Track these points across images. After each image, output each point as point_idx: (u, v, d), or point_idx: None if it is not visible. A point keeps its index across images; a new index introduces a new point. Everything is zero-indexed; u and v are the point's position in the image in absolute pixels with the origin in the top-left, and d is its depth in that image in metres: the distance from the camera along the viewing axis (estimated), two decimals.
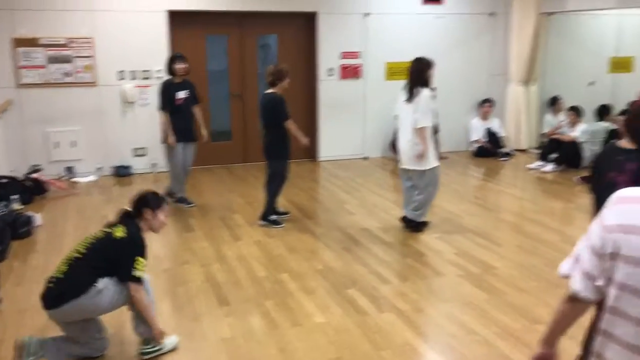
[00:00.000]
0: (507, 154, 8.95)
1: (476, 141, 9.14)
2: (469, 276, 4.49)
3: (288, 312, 3.91)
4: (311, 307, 3.97)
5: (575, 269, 1.46)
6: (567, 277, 1.48)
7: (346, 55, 8.57)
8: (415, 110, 5.13)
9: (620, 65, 9.81)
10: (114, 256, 3.16)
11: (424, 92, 5.12)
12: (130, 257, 3.15)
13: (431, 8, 8.80)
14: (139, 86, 7.75)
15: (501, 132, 9.22)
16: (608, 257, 1.37)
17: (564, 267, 1.51)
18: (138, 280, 3.18)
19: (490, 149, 8.98)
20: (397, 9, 8.64)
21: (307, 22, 8.52)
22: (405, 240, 5.33)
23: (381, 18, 8.59)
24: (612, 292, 1.38)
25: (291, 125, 5.47)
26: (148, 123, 7.61)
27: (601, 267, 1.39)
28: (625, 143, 2.30)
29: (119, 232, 3.18)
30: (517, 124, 9.28)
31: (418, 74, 5.19)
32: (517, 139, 9.30)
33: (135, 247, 3.19)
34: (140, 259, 3.17)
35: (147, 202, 3.32)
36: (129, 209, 3.34)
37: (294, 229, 5.65)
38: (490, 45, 9.26)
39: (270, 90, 5.51)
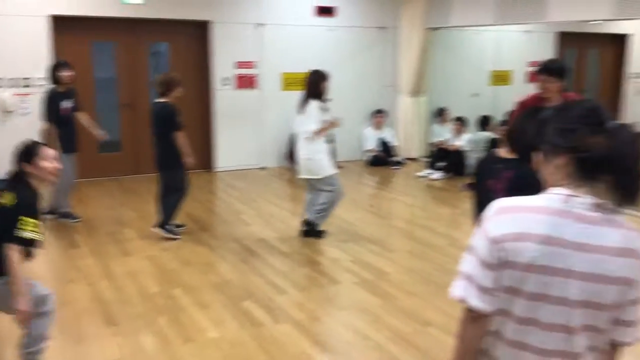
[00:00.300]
0: (399, 163, 9.28)
1: (370, 150, 9.40)
2: (363, 283, 4.58)
3: (181, 328, 3.79)
4: (205, 322, 3.87)
5: (470, 288, 1.46)
6: (462, 300, 1.47)
7: (241, 65, 8.53)
8: (305, 120, 5.24)
9: (500, 78, 10.51)
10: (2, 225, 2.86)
11: (313, 104, 5.23)
12: (15, 217, 2.85)
13: (324, 20, 8.98)
14: (18, 94, 7.25)
15: (393, 141, 9.56)
16: (498, 266, 1.43)
17: (457, 290, 1.49)
18: (23, 242, 2.87)
19: (384, 158, 9.28)
20: (290, 20, 8.73)
21: (200, 30, 8.38)
22: (302, 250, 5.35)
23: (275, 29, 8.64)
24: (502, 297, 1.45)
25: (180, 138, 5.32)
26: (28, 133, 7.08)
27: (494, 277, 1.44)
28: (503, 152, 2.46)
29: (6, 199, 2.91)
30: (408, 133, 9.67)
31: (313, 85, 5.28)
32: (408, 148, 9.67)
33: (19, 207, 2.89)
34: (26, 219, 2.87)
35: (22, 157, 3.05)
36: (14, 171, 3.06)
37: (189, 241, 5.50)
38: (381, 58, 9.59)
39: (161, 100, 5.36)
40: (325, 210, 5.51)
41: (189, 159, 5.40)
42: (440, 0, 8.96)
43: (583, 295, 1.39)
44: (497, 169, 2.44)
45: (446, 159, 8.51)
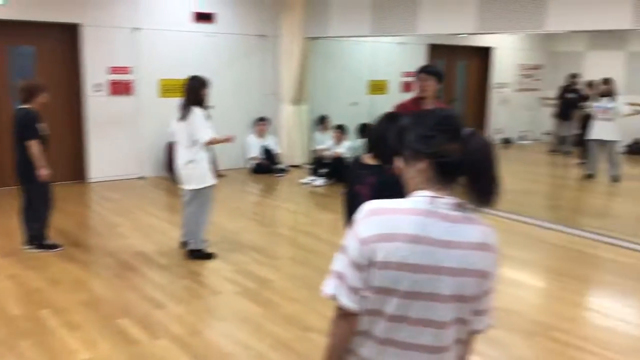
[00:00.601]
0: (283, 170, 9.33)
1: (253, 158, 9.36)
2: (245, 292, 4.52)
3: (47, 352, 3.51)
4: (75, 344, 3.62)
5: (340, 287, 1.51)
6: (333, 297, 1.51)
7: (115, 70, 8.15)
8: (190, 128, 5.04)
9: (377, 87, 10.92)
10: None
11: (196, 111, 5.06)
12: None
13: (202, 26, 8.82)
14: None
15: (276, 149, 9.59)
16: (367, 267, 1.47)
17: (329, 288, 1.53)
18: None
19: (267, 166, 9.28)
20: (167, 25, 8.49)
21: (69, 34, 7.90)
22: (182, 262, 5.18)
23: (152, 34, 8.36)
24: (372, 297, 1.49)
25: (34, 147, 4.95)
26: None
27: (363, 278, 1.48)
28: (368, 159, 2.55)
29: None
30: (291, 141, 9.75)
31: (193, 92, 5.11)
32: (291, 156, 9.75)
33: None
34: None
35: None
36: None
37: (58, 258, 5.13)
38: (262, 66, 9.60)
39: (24, 106, 4.97)
40: (198, 229, 5.26)
41: (43, 171, 5.03)
42: (318, 11, 9.15)
43: (452, 290, 1.47)
44: (362, 174, 2.53)
45: (328, 166, 8.67)
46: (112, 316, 4.03)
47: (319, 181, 8.53)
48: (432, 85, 4.44)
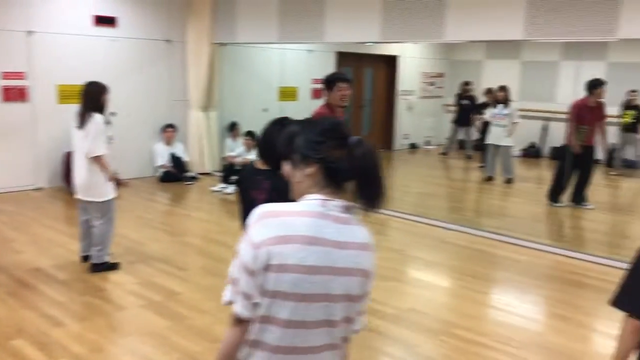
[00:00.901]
0: (193, 178, 9.14)
1: (161, 166, 9.11)
2: (151, 305, 4.37)
3: None
4: None
5: (234, 294, 1.51)
6: (230, 304, 1.52)
7: (8, 75, 7.65)
8: (86, 138, 4.80)
9: (287, 94, 10.96)
10: None
11: (96, 118, 4.83)
12: None
13: (104, 31, 8.49)
14: None
15: (185, 156, 9.38)
16: (261, 271, 1.46)
17: (226, 294, 1.54)
18: None
19: (176, 174, 9.05)
20: (65, 28, 8.09)
21: None
22: (83, 276, 4.93)
23: (49, 37, 7.93)
24: (265, 302, 1.48)
25: None
26: None
27: (256, 283, 1.47)
28: (260, 164, 2.59)
29: None
30: (200, 148, 9.57)
31: (91, 98, 4.88)
32: (201, 163, 9.57)
33: None
34: None
35: None
36: None
37: None
38: (169, 72, 9.37)
39: None
40: (105, 243, 5.05)
41: None
42: (225, 17, 9.06)
43: (343, 290, 1.52)
44: (257, 179, 2.57)
45: (239, 173, 8.57)
46: (6, 337, 3.76)
47: (230, 189, 8.43)
48: (349, 93, 4.62)
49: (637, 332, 1.93)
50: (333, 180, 1.54)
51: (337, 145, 1.53)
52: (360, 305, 1.61)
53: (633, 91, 10.72)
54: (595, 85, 7.64)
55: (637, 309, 1.92)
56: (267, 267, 1.46)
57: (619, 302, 1.98)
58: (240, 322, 1.53)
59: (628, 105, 10.73)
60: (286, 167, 1.62)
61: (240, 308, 1.51)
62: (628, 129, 10.76)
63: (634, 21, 5.37)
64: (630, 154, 11.32)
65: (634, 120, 10.66)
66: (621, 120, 10.92)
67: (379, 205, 1.56)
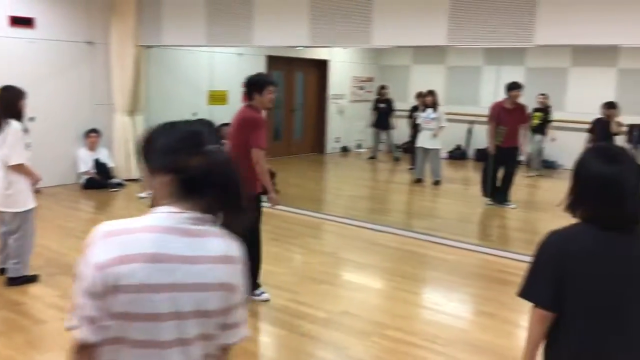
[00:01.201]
0: (118, 185, 8.83)
1: (85, 173, 8.75)
2: None
3: None
4: None
5: (81, 318, 1.41)
6: (75, 328, 1.41)
7: None
8: (3, 146, 4.54)
9: (217, 98, 10.80)
10: None
11: (14, 125, 4.58)
12: None
13: (21, 32, 8.06)
14: None
15: (110, 162, 9.06)
16: (107, 293, 1.38)
17: (71, 319, 1.43)
18: None
19: (100, 180, 8.72)
20: None
21: None
22: None
23: None
24: (114, 325, 1.40)
25: None
26: None
27: (101, 306, 1.39)
28: None
29: None
30: (126, 153, 9.26)
31: (8, 104, 4.62)
32: (127, 169, 9.26)
33: None
34: None
35: None
36: None
37: None
38: (92, 75, 9.02)
39: None
40: (23, 256, 4.78)
41: None
42: (151, 18, 8.82)
43: (193, 306, 1.44)
44: None
45: None
46: None
47: None
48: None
49: (543, 321, 2.02)
50: (189, 191, 1.46)
51: (192, 153, 1.45)
52: (226, 319, 1.52)
53: (542, 94, 11.23)
54: (510, 88, 8.01)
55: (540, 299, 2.01)
56: (110, 289, 1.37)
57: (524, 293, 2.08)
58: (87, 347, 1.43)
59: (537, 108, 11.22)
60: (145, 175, 1.53)
61: (85, 333, 1.41)
62: (535, 130, 11.21)
63: (549, 29, 5.64)
64: (546, 154, 11.82)
65: (541, 122, 11.16)
66: (531, 122, 11.42)
67: (238, 217, 1.50)
